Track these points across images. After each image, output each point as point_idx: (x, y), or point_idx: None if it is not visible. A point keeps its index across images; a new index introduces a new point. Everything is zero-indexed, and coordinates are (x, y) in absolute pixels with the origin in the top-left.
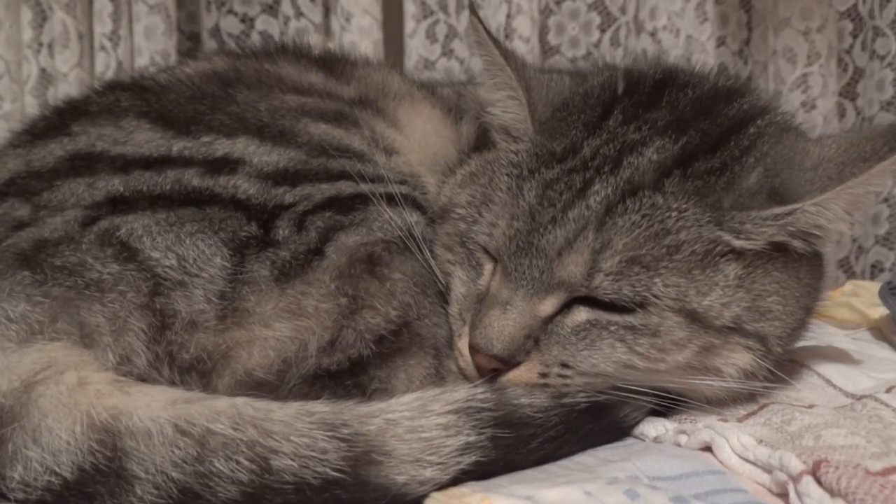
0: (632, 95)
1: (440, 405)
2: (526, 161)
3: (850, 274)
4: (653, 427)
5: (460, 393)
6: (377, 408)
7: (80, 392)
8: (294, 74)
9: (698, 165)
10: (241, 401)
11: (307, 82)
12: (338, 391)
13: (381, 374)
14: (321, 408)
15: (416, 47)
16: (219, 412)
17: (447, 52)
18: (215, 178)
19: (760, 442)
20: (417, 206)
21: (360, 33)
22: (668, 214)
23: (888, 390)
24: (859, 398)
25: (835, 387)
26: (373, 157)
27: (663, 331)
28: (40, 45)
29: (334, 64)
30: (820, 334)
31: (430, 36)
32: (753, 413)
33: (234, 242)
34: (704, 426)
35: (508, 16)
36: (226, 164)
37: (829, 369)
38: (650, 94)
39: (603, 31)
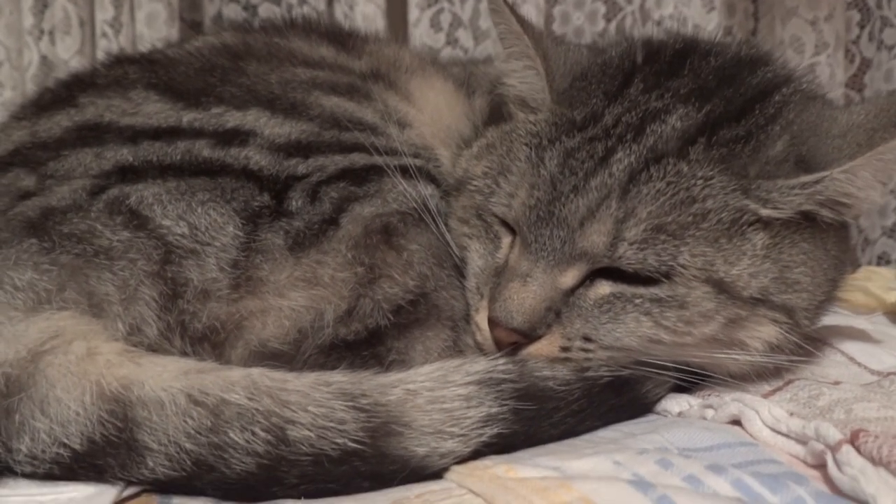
0: (652, 64)
1: (461, 376)
2: (545, 130)
3: (856, 266)
4: (676, 403)
5: (481, 364)
6: (396, 378)
7: (90, 362)
8: (305, 48)
9: (723, 133)
10: (256, 371)
11: (318, 56)
12: (355, 362)
13: (399, 345)
14: (339, 377)
15: (421, 36)
16: (233, 382)
17: (452, 42)
18: (226, 150)
19: (791, 414)
20: (431, 179)
21: (363, 21)
22: (693, 182)
23: None
24: (886, 375)
25: (859, 364)
26: (385, 129)
27: (690, 302)
28: (41, 31)
29: (345, 38)
30: (837, 317)
31: (435, 24)
32: (779, 389)
33: (247, 212)
34: (732, 399)
35: (515, 3)
36: (237, 136)
37: (852, 347)
38: (671, 62)
39: (608, 20)
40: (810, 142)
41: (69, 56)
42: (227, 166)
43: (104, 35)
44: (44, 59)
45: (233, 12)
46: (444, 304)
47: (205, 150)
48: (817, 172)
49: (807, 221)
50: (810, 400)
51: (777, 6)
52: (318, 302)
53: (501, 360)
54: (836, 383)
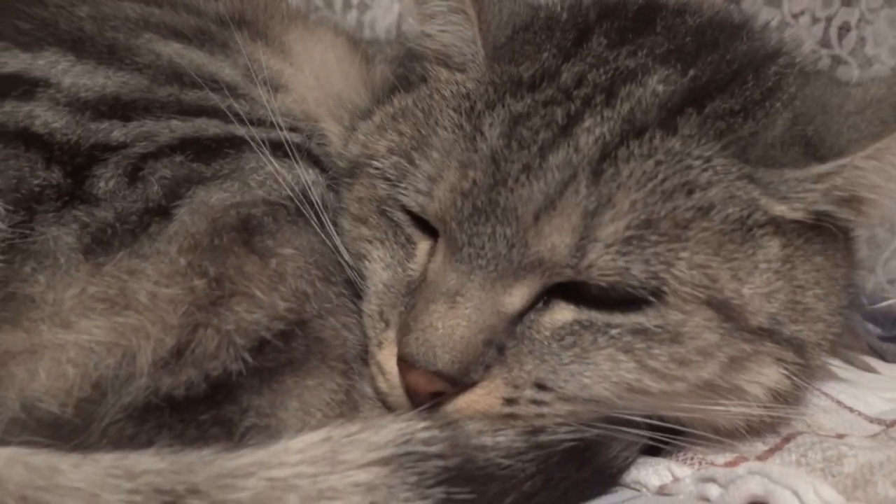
0: (612, 20)
1: (360, 451)
2: (480, 91)
3: None
4: (654, 473)
5: (390, 430)
6: (252, 460)
7: None
8: None
9: (716, 105)
10: (6, 453)
11: None
12: (186, 433)
13: (262, 402)
14: (152, 462)
15: None
16: None
17: None
18: None
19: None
20: (315, 161)
21: None
22: (689, 164)
23: None
24: (890, 424)
25: (850, 409)
26: (250, 91)
27: (687, 333)
28: None
29: None
30: None
31: None
32: (777, 448)
33: (18, 193)
34: (749, 472)
35: None
36: (18, 85)
37: (833, 388)
38: (636, 18)
39: None
40: (818, 120)
41: None
42: None
43: None
44: None
45: None
46: (332, 336)
47: None
48: (832, 159)
49: (817, 228)
50: (829, 464)
51: None
52: (128, 335)
53: (421, 424)
54: (841, 437)
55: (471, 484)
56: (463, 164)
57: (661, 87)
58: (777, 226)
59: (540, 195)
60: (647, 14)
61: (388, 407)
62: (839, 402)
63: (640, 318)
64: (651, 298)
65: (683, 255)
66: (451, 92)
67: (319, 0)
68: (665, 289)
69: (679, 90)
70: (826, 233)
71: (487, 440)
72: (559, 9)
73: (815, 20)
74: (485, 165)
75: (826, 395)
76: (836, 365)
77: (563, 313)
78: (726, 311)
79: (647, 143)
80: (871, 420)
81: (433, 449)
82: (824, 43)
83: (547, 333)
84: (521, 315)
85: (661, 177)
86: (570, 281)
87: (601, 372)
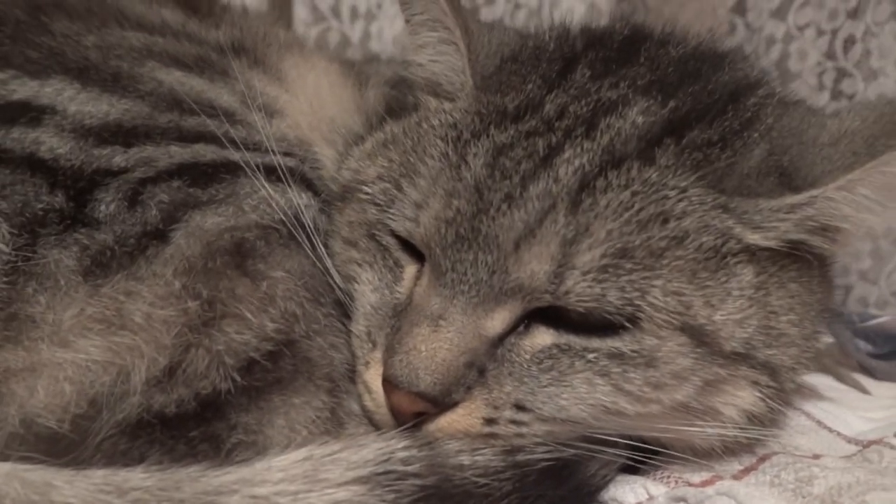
0: (598, 50)
1: (340, 470)
2: (467, 121)
3: None
4: (631, 491)
5: (370, 450)
6: (236, 478)
7: None
8: (140, 8)
9: (694, 136)
10: (4, 469)
11: (159, 19)
12: (176, 448)
13: (249, 419)
14: (141, 479)
15: None
16: None
17: None
18: (6, 129)
19: None
20: (308, 185)
21: None
22: (665, 194)
23: None
24: (867, 445)
25: (829, 430)
26: (246, 117)
27: (661, 358)
28: None
29: (200, 2)
30: None
31: (321, 43)
32: (752, 468)
33: (22, 217)
34: (717, 493)
35: None
36: (26, 112)
37: (815, 408)
38: (621, 49)
39: None
40: (793, 151)
41: None
42: (5, 152)
43: None
44: None
45: None
46: (319, 356)
47: None
48: (806, 189)
49: (792, 254)
50: (800, 485)
51: None
52: (123, 355)
53: (401, 443)
54: (817, 457)
55: (447, 502)
56: (448, 193)
57: (640, 119)
58: (751, 254)
59: (520, 224)
60: (631, 45)
61: (375, 425)
62: (819, 422)
63: (616, 343)
64: (627, 324)
65: (657, 282)
66: (440, 121)
67: (327, 10)
68: (640, 315)
69: (659, 121)
70: (801, 260)
71: (465, 459)
72: (547, 38)
73: (820, 33)
74: (468, 194)
75: (807, 414)
76: (825, 383)
77: (543, 337)
78: (699, 337)
79: (625, 174)
80: (850, 440)
81: (411, 468)
82: (829, 55)
83: (527, 356)
84: (501, 338)
85: (637, 207)
86: (550, 306)
87: (578, 394)
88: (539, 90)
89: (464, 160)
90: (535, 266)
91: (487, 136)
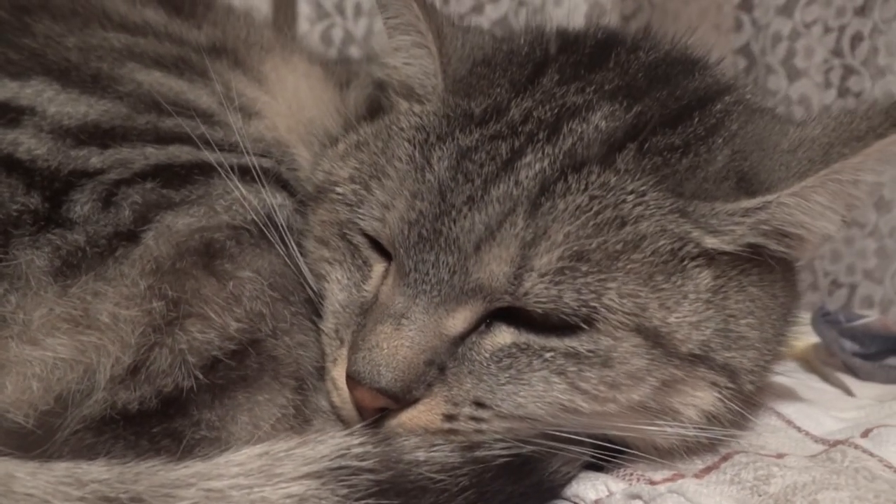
0: (569, 54)
1: (294, 465)
2: (435, 124)
3: None
4: (592, 487)
5: (327, 445)
6: (193, 471)
7: None
8: (124, 8)
9: (657, 140)
10: None
11: (141, 19)
12: (139, 444)
13: (212, 416)
14: (99, 472)
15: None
16: None
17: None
18: None
19: None
20: (283, 185)
21: None
22: (622, 198)
23: (864, 434)
24: (833, 444)
25: (799, 429)
26: (225, 118)
27: (617, 358)
28: None
29: (183, 2)
30: None
31: (326, 40)
32: (715, 467)
33: None
34: (668, 490)
35: None
36: (5, 113)
37: (788, 408)
38: (592, 54)
39: None
40: (753, 157)
41: None
42: None
43: None
44: None
45: None
46: (285, 355)
47: None
48: (762, 195)
49: (753, 259)
50: (758, 484)
51: None
52: (89, 353)
53: (357, 439)
54: (781, 456)
55: (402, 497)
56: (412, 195)
57: (603, 124)
58: (710, 258)
59: (481, 226)
60: (602, 49)
61: (342, 420)
62: (790, 422)
63: (573, 343)
64: (583, 325)
65: (612, 285)
66: (409, 123)
67: (331, 7)
68: (596, 316)
69: (622, 126)
70: (763, 264)
71: (422, 455)
72: (522, 42)
73: (827, 30)
74: (432, 196)
75: (778, 414)
76: (806, 383)
77: (504, 336)
78: (655, 338)
79: (584, 178)
80: (817, 440)
81: (366, 464)
82: (836, 52)
83: (486, 355)
84: (463, 337)
85: (594, 210)
86: (510, 307)
87: (535, 392)
88: (506, 94)
89: (428, 163)
90: (494, 267)
91: (453, 139)
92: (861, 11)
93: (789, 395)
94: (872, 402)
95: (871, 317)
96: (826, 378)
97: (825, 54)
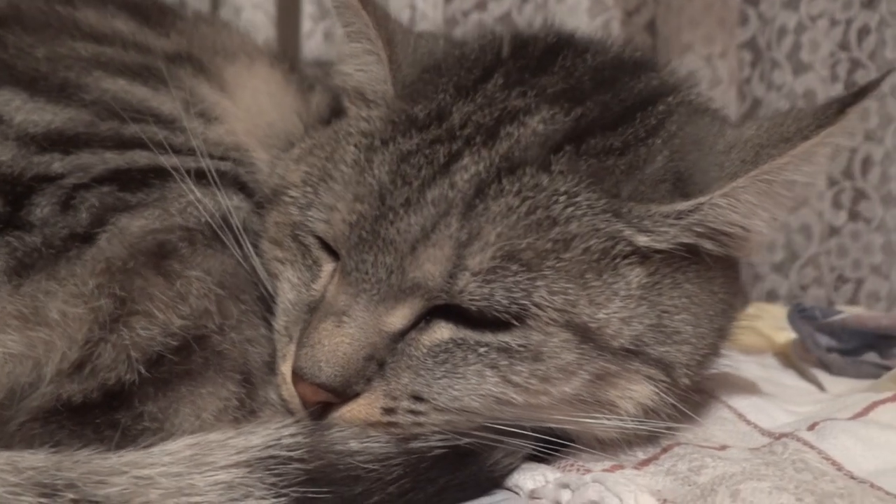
0: (518, 59)
1: (225, 454)
2: (380, 129)
3: (745, 302)
4: (531, 477)
5: (258, 436)
6: (126, 460)
7: None
8: (94, 19)
9: (595, 143)
10: None
11: (110, 30)
12: (84, 434)
13: (154, 408)
14: (36, 460)
15: (313, 49)
16: None
17: None
18: None
19: (664, 502)
20: (241, 188)
21: (250, 29)
22: (554, 199)
23: (811, 427)
24: (778, 437)
25: (748, 422)
26: (186, 124)
27: (547, 353)
28: None
29: (151, 12)
30: (724, 360)
31: (329, 38)
32: (654, 458)
33: None
34: (593, 479)
35: None
36: None
37: (742, 401)
38: (541, 58)
39: None
40: (690, 157)
41: None
42: None
43: None
44: None
45: None
46: (230, 349)
47: None
48: (695, 196)
49: (690, 256)
50: (690, 474)
51: (673, 41)
52: (38, 348)
53: (289, 430)
54: (723, 448)
55: (333, 485)
56: (354, 198)
57: (541, 127)
58: (643, 256)
59: (416, 227)
60: (550, 53)
61: (291, 413)
62: (740, 415)
63: (506, 338)
64: (515, 322)
65: (541, 283)
66: (358, 128)
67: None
68: (527, 313)
69: (561, 129)
70: (700, 262)
71: (355, 445)
72: (476, 46)
73: (834, 23)
74: (372, 199)
75: (730, 407)
76: (767, 377)
77: (442, 332)
78: (584, 334)
79: (518, 180)
80: (765, 433)
81: (295, 453)
82: (843, 46)
83: (424, 350)
84: (403, 333)
85: (525, 211)
86: (447, 304)
87: (469, 385)
88: (450, 99)
89: (370, 166)
90: (429, 267)
91: (394, 143)
92: (868, 4)
93: (747, 388)
94: (834, 397)
95: (846, 312)
96: (802, 373)
97: (831, 47)
